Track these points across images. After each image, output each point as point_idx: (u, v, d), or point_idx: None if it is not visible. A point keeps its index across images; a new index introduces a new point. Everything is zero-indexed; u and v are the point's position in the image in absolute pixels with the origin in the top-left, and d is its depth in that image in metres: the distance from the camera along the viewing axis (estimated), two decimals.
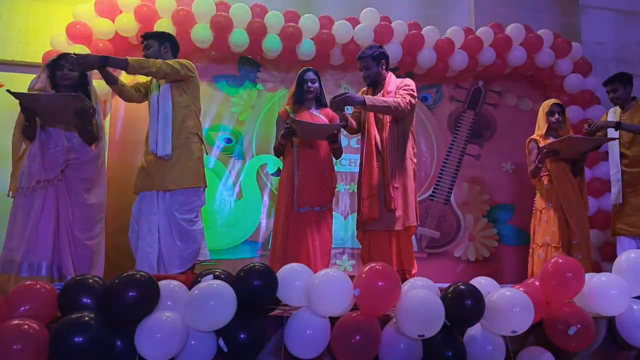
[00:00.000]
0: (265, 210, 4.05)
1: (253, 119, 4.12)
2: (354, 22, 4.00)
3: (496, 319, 1.91)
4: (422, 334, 1.80)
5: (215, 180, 3.95)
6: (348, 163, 4.16)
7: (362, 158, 2.92)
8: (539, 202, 3.37)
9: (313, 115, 3.00)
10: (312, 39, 3.94)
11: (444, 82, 4.38)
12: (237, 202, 4.01)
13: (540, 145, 3.25)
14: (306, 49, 3.92)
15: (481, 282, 2.10)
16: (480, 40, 4.09)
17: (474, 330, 1.96)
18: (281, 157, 3.11)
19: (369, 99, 2.75)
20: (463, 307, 1.86)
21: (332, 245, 3.04)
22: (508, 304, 1.91)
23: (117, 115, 3.97)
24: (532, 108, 4.37)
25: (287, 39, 3.88)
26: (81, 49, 3.60)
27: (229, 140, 4.09)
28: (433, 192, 4.29)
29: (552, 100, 3.39)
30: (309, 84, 2.99)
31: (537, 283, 2.12)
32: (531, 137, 3.37)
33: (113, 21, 3.72)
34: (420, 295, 1.86)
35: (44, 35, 3.72)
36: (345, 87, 4.25)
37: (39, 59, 3.60)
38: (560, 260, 2.13)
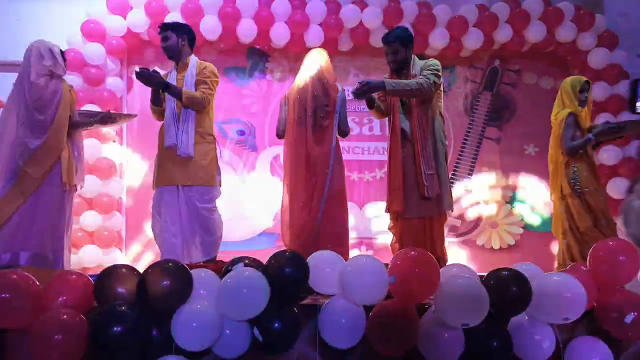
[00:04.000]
0: (280, 201, 3.82)
1: (264, 110, 3.85)
2: (362, 4, 3.65)
3: (545, 306, 1.73)
4: (467, 322, 1.63)
5: (230, 173, 3.71)
6: (361, 152, 3.83)
7: (389, 147, 2.66)
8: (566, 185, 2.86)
9: None
10: (319, 24, 3.64)
11: (457, 63, 3.94)
12: (252, 194, 3.75)
13: (581, 118, 2.88)
14: (314, 35, 3.63)
15: (522, 268, 1.83)
16: (495, 16, 3.65)
17: (520, 319, 1.76)
18: None
19: (389, 83, 2.46)
20: (508, 294, 1.68)
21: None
22: (558, 289, 1.72)
23: (132, 111, 3.84)
24: (554, 86, 3.88)
25: (295, 26, 3.61)
26: (96, 47, 3.53)
27: (241, 133, 3.83)
28: (451, 178, 3.84)
29: (582, 77, 2.97)
30: None
31: (585, 268, 1.84)
32: (569, 110, 2.86)
33: (124, 17, 3.57)
34: (463, 282, 1.69)
35: (60, 35, 3.51)
36: (354, 73, 3.92)
37: None
38: (610, 243, 1.84)
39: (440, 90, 2.65)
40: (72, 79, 3.51)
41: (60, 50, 2.66)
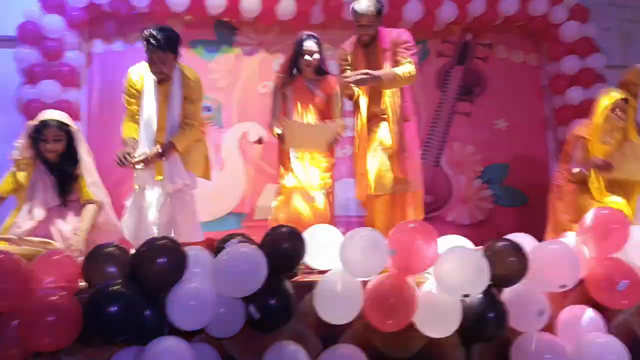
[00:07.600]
0: (249, 180, 3.55)
1: (232, 85, 3.56)
2: None
3: (542, 275, 1.67)
4: (468, 293, 1.59)
5: None
6: None
7: (357, 129, 2.50)
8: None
9: (309, 91, 2.56)
10: None
11: (430, 37, 3.69)
12: (219, 173, 3.47)
13: (589, 146, 2.56)
14: (286, 7, 3.35)
15: (516, 238, 1.77)
16: None
17: (514, 289, 1.69)
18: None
19: (386, 76, 2.34)
20: (506, 263, 1.63)
21: None
22: (555, 257, 1.68)
23: (92, 88, 3.46)
24: (525, 60, 3.75)
25: None
26: (54, 19, 3.18)
27: (207, 109, 3.50)
28: (422, 154, 3.70)
29: (617, 94, 2.55)
30: (308, 57, 2.48)
31: (576, 237, 1.83)
32: (579, 133, 2.62)
33: None
34: (463, 252, 1.64)
35: (16, 7, 3.23)
36: (327, 47, 3.75)
37: (12, 32, 3.19)
38: (603, 212, 1.76)
39: None
40: (29, 53, 3.18)
41: None
